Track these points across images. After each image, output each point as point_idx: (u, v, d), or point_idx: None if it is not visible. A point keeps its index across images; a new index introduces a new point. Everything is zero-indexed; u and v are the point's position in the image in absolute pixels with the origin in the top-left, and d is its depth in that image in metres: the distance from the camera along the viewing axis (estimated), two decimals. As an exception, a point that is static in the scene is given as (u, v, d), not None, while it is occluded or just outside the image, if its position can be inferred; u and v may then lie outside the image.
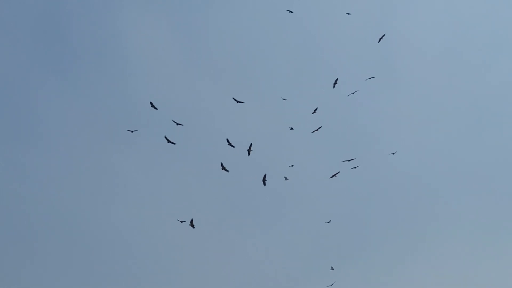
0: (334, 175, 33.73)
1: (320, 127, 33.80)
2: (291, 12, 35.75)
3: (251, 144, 31.69)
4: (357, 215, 47.75)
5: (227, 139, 31.91)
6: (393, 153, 36.67)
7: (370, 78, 34.55)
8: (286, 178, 33.84)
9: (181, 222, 32.67)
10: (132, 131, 33.56)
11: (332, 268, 36.54)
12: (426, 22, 55.28)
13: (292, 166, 34.19)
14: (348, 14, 35.47)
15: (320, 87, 48.19)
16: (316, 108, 33.92)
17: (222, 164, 32.44)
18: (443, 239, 45.85)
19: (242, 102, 33.24)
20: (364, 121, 49.80)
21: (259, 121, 47.87)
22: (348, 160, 34.03)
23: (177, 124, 32.83)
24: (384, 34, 34.24)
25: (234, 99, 33.19)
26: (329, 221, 36.26)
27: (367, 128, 50.10)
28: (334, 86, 33.92)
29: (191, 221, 32.53)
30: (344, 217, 46.35)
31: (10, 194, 45.09)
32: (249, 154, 31.77)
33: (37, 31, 53.68)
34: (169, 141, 32.86)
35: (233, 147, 32.00)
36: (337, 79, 33.77)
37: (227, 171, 32.54)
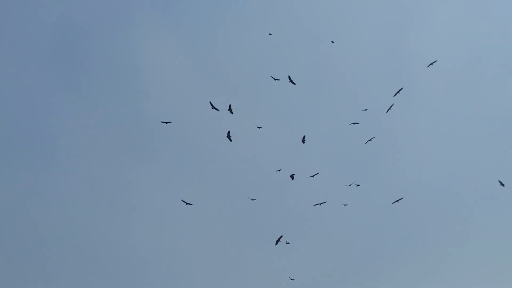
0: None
1: (317, 173, 33.30)
2: (269, 35, 35.08)
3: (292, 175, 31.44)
4: (377, 234, 47.05)
5: (210, 102, 31.47)
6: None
7: (398, 92, 33.74)
8: (287, 242, 33.47)
9: (186, 204, 32.49)
10: (166, 123, 32.96)
11: None
12: (443, 35, 55.03)
13: (316, 174, 33.53)
14: (332, 42, 34.76)
15: (334, 105, 47.93)
16: (304, 136, 33.36)
17: (228, 133, 32.13)
18: (468, 259, 44.96)
19: (217, 110, 32.65)
20: (383, 135, 49.27)
21: (275, 139, 47.48)
22: (349, 185, 33.63)
23: (166, 123, 32.41)
24: (402, 88, 33.52)
25: (210, 103, 32.63)
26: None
27: (386, 144, 49.48)
28: (303, 142, 33.36)
29: None
30: (365, 235, 45.73)
31: (24, 213, 44.96)
32: (292, 178, 31.57)
33: (51, 49, 53.97)
34: (187, 204, 32.76)
35: (217, 110, 31.61)
36: (304, 136, 33.22)
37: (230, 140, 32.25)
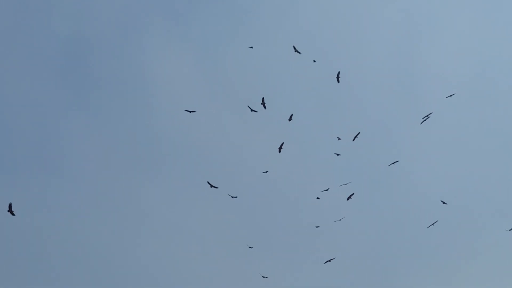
0: (350, 196, 33.34)
1: (353, 194, 33.51)
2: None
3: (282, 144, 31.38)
4: (387, 249, 46.75)
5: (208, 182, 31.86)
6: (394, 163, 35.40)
7: (426, 117, 33.54)
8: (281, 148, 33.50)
9: (190, 112, 32.43)
10: (190, 111, 32.94)
11: None
12: (452, 49, 54.91)
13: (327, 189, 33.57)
14: (314, 61, 34.61)
15: (344, 119, 47.79)
16: (292, 115, 33.35)
17: (209, 182, 32.38)
18: (478, 274, 44.57)
19: (194, 111, 32.81)
20: (395, 151, 49.06)
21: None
22: (346, 184, 33.57)
23: (190, 112, 32.43)
24: (430, 114, 33.47)
25: (186, 110, 32.79)
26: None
27: (398, 159, 49.25)
28: (338, 81, 33.23)
29: None
30: (375, 251, 45.46)
31: (34, 225, 44.97)
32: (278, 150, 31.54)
33: (62, 63, 54.22)
34: (211, 186, 32.66)
35: (216, 188, 32.15)
36: (339, 72, 33.06)
37: (215, 187, 32.42)
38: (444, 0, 55.97)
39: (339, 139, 34.14)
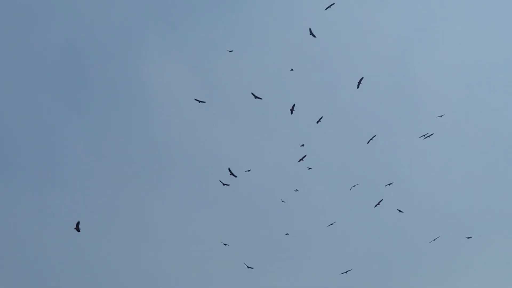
0: (302, 159, 33.47)
1: (305, 156, 33.57)
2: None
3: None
4: (382, 257, 46.91)
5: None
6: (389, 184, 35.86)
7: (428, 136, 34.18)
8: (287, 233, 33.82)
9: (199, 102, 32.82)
10: (199, 101, 33.25)
11: None
12: (445, 64, 55.36)
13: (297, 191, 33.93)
14: (291, 70, 34.93)
15: (338, 130, 48.12)
16: (321, 117, 33.56)
17: (230, 169, 32.46)
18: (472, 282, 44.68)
19: (204, 102, 33.34)
20: (389, 163, 49.42)
21: (278, 161, 47.64)
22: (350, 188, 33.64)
23: (256, 97, 32.58)
24: (432, 134, 33.98)
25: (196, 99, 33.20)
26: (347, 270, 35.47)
27: (392, 172, 49.59)
28: (358, 87, 33.38)
29: None
30: (369, 259, 45.57)
31: (35, 237, 44.94)
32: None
33: (59, 74, 54.45)
34: (231, 173, 32.78)
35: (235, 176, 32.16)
36: (362, 78, 33.33)
37: (235, 176, 32.54)
38: (437, 15, 56.55)
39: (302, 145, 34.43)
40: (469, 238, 37.06)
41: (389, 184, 34.78)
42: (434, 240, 34.92)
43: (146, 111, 52.92)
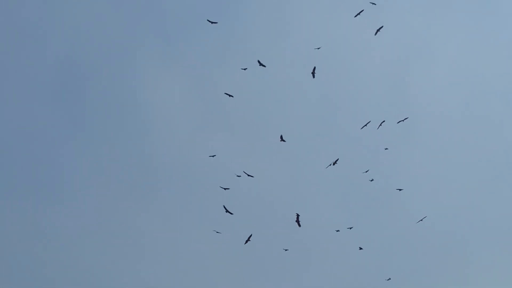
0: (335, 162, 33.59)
1: (337, 159, 33.59)
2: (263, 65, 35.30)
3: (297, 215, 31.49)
4: (380, 272, 46.76)
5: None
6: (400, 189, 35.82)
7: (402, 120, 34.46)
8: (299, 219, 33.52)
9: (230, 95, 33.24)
10: (212, 22, 33.26)
11: None
12: (442, 82, 55.60)
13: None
14: (264, 65, 35.02)
15: (337, 145, 48.20)
16: (337, 159, 33.62)
17: (224, 207, 32.56)
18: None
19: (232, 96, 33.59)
20: (383, 175, 49.31)
21: (278, 175, 47.62)
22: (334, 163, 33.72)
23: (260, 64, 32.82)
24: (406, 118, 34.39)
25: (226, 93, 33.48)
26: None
27: (387, 184, 49.54)
28: (334, 164, 33.77)
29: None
30: (364, 276, 45.44)
31: (30, 254, 44.70)
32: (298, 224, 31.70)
33: (54, 88, 54.38)
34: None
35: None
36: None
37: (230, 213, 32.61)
38: (433, 33, 56.90)
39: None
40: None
41: (371, 180, 34.65)
42: (421, 220, 34.58)
43: (142, 126, 52.94)
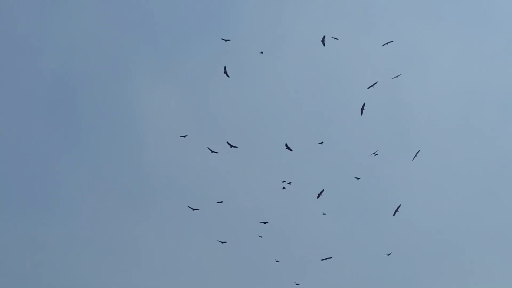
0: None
1: (323, 190, 33.39)
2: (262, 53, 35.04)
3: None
4: (376, 279, 46.68)
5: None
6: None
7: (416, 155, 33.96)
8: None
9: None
10: (226, 40, 32.79)
11: None
12: (437, 89, 55.68)
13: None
14: (261, 52, 34.94)
15: (331, 156, 48.15)
16: (322, 190, 33.39)
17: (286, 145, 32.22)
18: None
19: (216, 152, 33.31)
20: (381, 184, 49.37)
21: (274, 192, 47.52)
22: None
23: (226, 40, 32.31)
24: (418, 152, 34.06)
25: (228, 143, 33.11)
26: None
27: (385, 192, 49.52)
28: (361, 113, 33.57)
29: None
30: (364, 278, 45.35)
31: (27, 267, 44.59)
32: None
33: (49, 101, 54.55)
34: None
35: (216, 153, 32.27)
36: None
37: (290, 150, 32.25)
38: (428, 39, 57.07)
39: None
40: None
41: (357, 178, 34.64)
42: (397, 210, 34.42)
43: (137, 137, 52.99)
